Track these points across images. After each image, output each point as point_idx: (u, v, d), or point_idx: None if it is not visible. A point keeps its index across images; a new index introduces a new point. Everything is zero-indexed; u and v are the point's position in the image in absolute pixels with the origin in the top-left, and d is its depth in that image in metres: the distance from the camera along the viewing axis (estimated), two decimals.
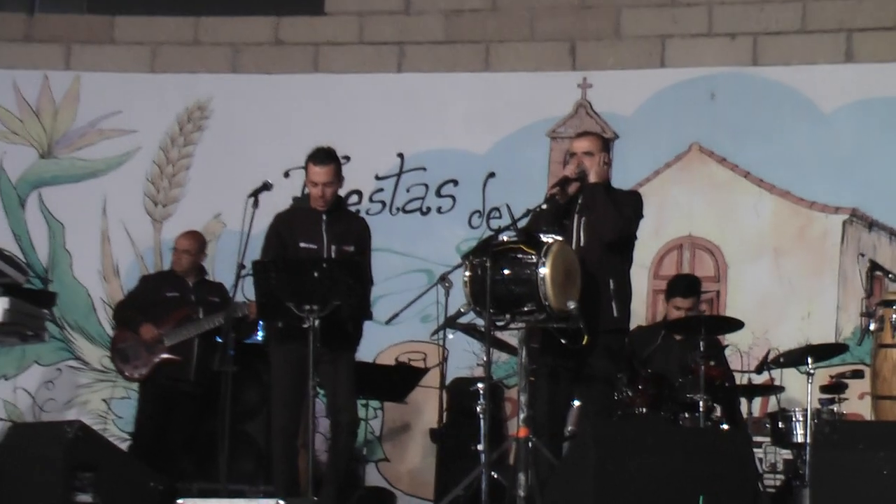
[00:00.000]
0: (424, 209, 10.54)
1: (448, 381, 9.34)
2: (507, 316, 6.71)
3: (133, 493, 7.04)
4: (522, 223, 7.10)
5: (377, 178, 10.61)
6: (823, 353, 8.41)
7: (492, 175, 10.37)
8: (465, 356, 9.40)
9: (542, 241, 6.68)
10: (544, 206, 7.14)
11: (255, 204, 7.53)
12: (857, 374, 8.53)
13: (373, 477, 9.84)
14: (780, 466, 8.23)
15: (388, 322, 8.33)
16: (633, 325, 7.63)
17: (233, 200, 7.78)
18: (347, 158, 9.42)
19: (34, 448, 7.03)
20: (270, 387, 7.92)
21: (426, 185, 10.55)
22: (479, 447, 6.82)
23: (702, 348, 8.02)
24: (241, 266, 7.39)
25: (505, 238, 6.82)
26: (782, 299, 9.79)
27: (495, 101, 10.48)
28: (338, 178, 7.68)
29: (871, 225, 9.52)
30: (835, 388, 8.47)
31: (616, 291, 7.09)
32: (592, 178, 7.18)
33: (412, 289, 8.30)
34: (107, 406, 10.56)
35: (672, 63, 10.37)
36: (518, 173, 10.21)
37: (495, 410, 8.91)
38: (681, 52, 10.39)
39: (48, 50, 11.26)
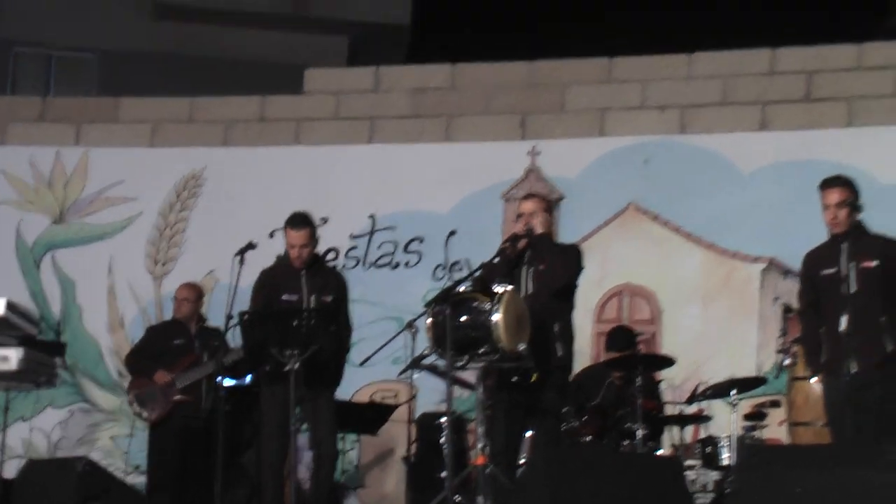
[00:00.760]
0: (394, 264, 10.54)
1: (417, 415, 9.35)
2: (466, 357, 6.65)
3: None
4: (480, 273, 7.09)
5: (352, 236, 10.62)
6: (746, 385, 8.41)
7: (453, 233, 10.36)
8: (432, 393, 9.34)
9: (495, 291, 6.65)
10: (497, 260, 7.13)
11: (242, 261, 7.48)
12: (776, 404, 8.58)
13: (352, 503, 9.78)
14: (710, 486, 8.21)
15: (362, 364, 8.38)
16: (577, 364, 7.62)
17: (224, 258, 7.75)
18: (325, 220, 9.51)
19: (48, 481, 6.97)
20: (261, 423, 7.89)
21: (395, 243, 10.56)
22: (444, 474, 6.78)
23: (638, 384, 8.05)
24: (229, 317, 7.34)
25: (462, 288, 6.79)
26: (710, 339, 9.78)
27: (456, 168, 10.52)
28: (313, 240, 7.65)
29: (786, 272, 9.53)
30: (756, 416, 8.53)
31: (560, 334, 7.06)
32: (539, 231, 7.18)
33: (384, 335, 8.25)
34: (113, 443, 10.51)
35: (611, 132, 10.46)
36: (476, 231, 10.21)
37: (459, 441, 8.83)
38: (618, 123, 10.47)
39: (60, 128, 11.30)
